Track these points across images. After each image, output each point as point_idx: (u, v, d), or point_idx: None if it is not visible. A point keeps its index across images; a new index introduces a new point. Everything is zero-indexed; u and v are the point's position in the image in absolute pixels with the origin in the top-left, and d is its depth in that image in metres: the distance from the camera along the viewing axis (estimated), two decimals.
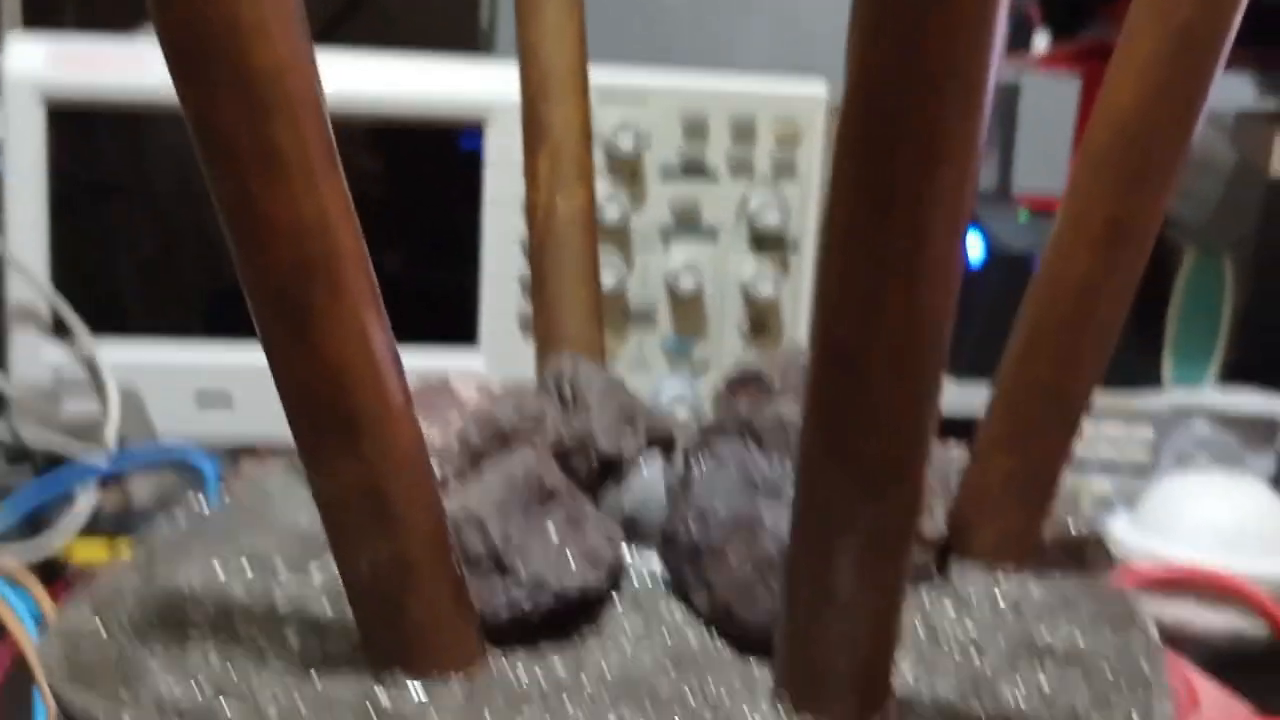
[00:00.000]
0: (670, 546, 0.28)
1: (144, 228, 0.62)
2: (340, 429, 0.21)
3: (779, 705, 0.23)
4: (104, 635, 0.25)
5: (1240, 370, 0.71)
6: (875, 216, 0.18)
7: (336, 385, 0.21)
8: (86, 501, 0.51)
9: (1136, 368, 0.70)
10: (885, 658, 0.22)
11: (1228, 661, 0.53)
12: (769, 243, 0.63)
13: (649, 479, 0.32)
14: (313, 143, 0.20)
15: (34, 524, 0.52)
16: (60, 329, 0.58)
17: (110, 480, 0.53)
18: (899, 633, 0.23)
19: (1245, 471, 0.65)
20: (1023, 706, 0.24)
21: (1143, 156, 0.26)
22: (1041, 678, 0.25)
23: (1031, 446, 0.29)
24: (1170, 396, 0.68)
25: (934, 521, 0.29)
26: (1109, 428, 0.67)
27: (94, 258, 0.60)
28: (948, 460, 0.32)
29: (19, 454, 0.56)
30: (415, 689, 0.23)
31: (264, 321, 0.21)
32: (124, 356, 0.58)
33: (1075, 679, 0.25)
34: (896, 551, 0.21)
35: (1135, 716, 0.24)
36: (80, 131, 0.58)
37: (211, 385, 0.59)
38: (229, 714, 0.22)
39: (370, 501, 0.22)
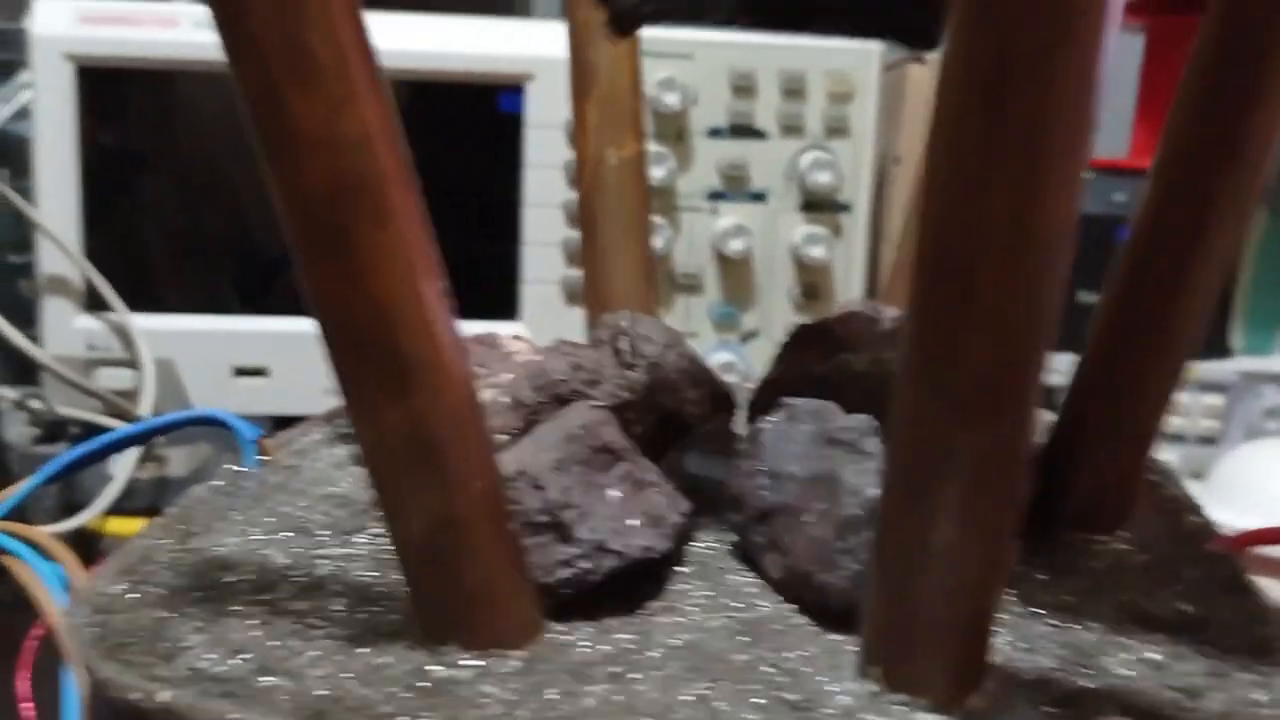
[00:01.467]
0: (738, 509, 0.26)
1: (179, 197, 0.60)
2: (387, 371, 0.19)
3: (867, 678, 0.21)
4: (138, 604, 0.23)
5: None
6: (988, 103, 0.16)
7: (382, 322, 0.19)
8: (123, 472, 0.49)
9: (1203, 336, 0.67)
10: (985, 622, 0.20)
11: None
12: (821, 204, 0.61)
13: (714, 439, 0.30)
14: (351, 53, 0.18)
15: (69, 501, 0.51)
16: (94, 300, 0.56)
17: (147, 453, 0.51)
18: (1002, 592, 0.21)
19: None
20: (1133, 676, 0.22)
21: (1260, 63, 0.24)
22: (1151, 648, 0.23)
23: (1129, 391, 0.27)
24: (1239, 364, 0.65)
25: None
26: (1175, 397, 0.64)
27: (128, 228, 0.58)
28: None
29: (53, 426, 0.55)
30: (470, 662, 0.21)
31: (302, 250, 0.19)
32: (158, 327, 0.57)
33: (1187, 649, 0.23)
34: (1003, 489, 0.19)
35: (1260, 691, 0.21)
36: (111, 95, 0.56)
37: (248, 357, 0.57)
38: (273, 690, 0.20)
39: (420, 451, 0.20)
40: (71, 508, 0.50)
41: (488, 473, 0.21)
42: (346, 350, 0.19)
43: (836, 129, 0.60)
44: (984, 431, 0.18)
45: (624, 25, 0.24)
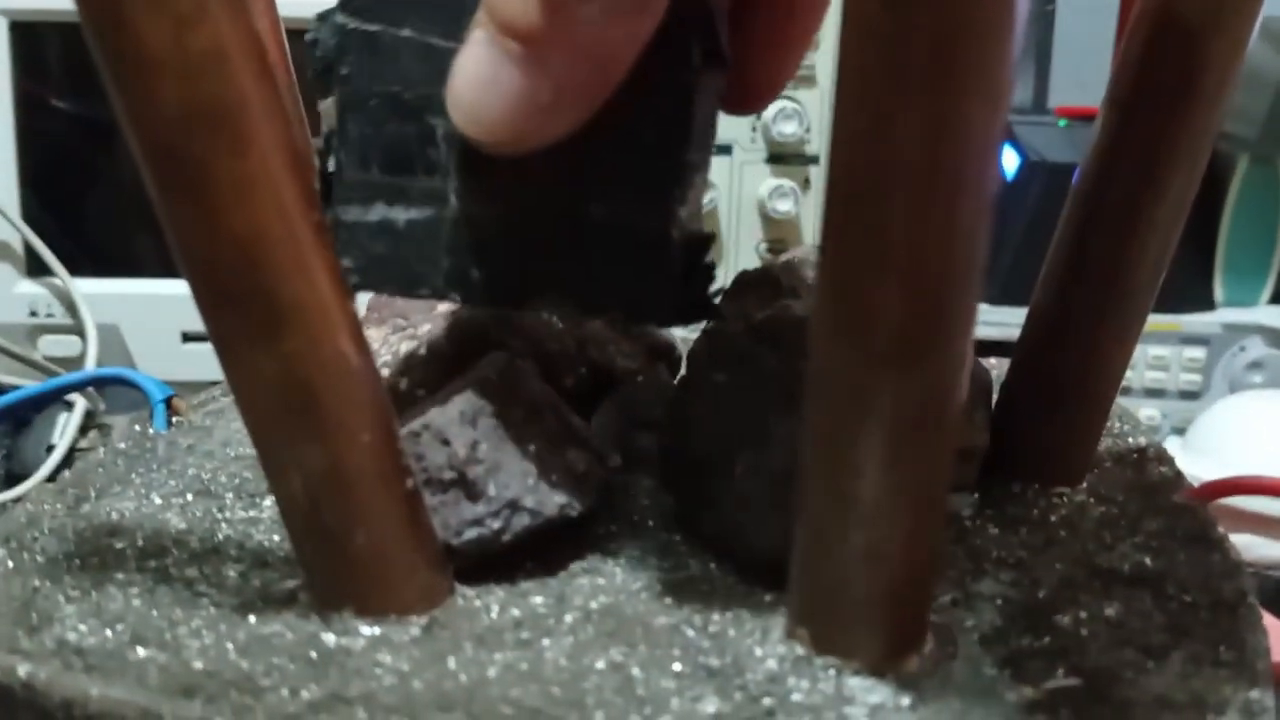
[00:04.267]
0: (669, 462, 0.24)
1: (123, 156, 0.58)
2: (254, 313, 0.18)
3: (794, 640, 0.19)
4: (12, 572, 0.21)
5: None
6: (894, 14, 0.14)
7: (246, 261, 0.17)
8: (64, 442, 0.48)
9: (1185, 289, 0.65)
10: (921, 580, 0.19)
11: None
12: (787, 156, 0.59)
13: (650, 391, 0.28)
14: None
15: (10, 472, 0.49)
16: (35, 265, 0.54)
17: (89, 421, 0.50)
18: (938, 550, 0.19)
19: None
20: (1085, 636, 0.20)
21: None
22: (1106, 604, 0.21)
23: (1086, 339, 0.25)
24: (1221, 316, 0.63)
25: (973, 430, 0.25)
26: (1156, 350, 0.62)
27: (70, 189, 0.56)
28: (987, 368, 0.28)
29: None
30: (366, 629, 0.20)
31: (156, 185, 0.17)
32: (103, 292, 0.55)
33: (1146, 604, 0.21)
34: (929, 441, 0.17)
35: (1224, 649, 0.20)
36: (49, 51, 0.54)
37: (196, 321, 0.55)
38: (145, 663, 0.19)
39: (296, 401, 0.18)
40: (13, 478, 0.49)
41: (378, 425, 0.19)
42: (210, 292, 0.18)
43: (803, 78, 0.58)
44: (903, 382, 0.17)
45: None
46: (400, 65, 0.21)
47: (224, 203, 0.17)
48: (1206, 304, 0.65)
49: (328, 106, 0.21)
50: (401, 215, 0.22)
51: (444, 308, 0.27)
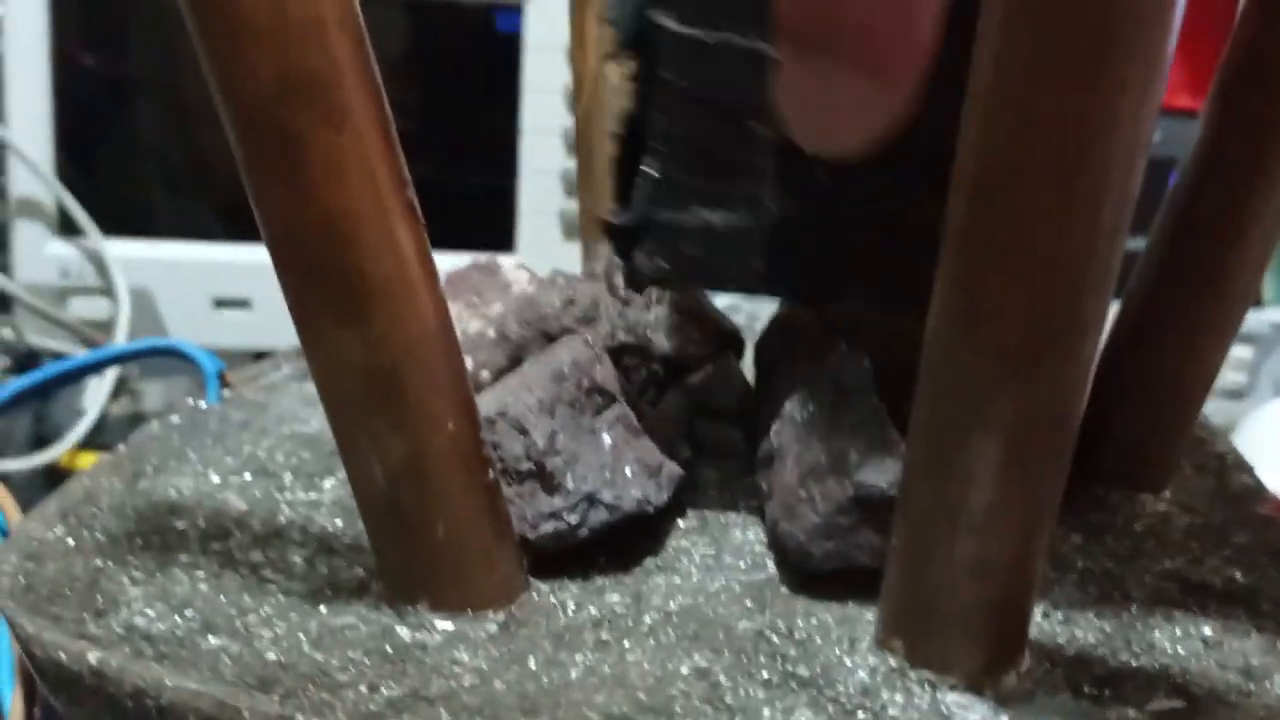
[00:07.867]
0: (744, 457, 0.23)
1: (159, 116, 0.57)
2: (341, 292, 0.17)
3: (887, 651, 0.19)
4: (73, 551, 0.21)
5: None
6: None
7: (336, 237, 0.16)
8: (94, 407, 0.47)
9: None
10: (1024, 593, 0.18)
11: None
12: None
13: (718, 382, 0.27)
14: None
15: (41, 435, 0.49)
16: (67, 225, 0.54)
17: (120, 387, 0.49)
18: (1044, 562, 0.18)
19: None
20: (1183, 654, 0.19)
21: None
22: (1201, 621, 0.20)
23: (1181, 340, 0.24)
24: (1270, 315, 0.62)
25: None
26: None
27: (104, 149, 0.55)
28: None
29: (25, 358, 0.52)
30: (441, 624, 0.19)
31: (246, 155, 0.16)
32: (135, 255, 0.54)
33: (1242, 622, 0.21)
34: (1049, 447, 0.16)
35: None
36: (87, 10, 0.53)
37: (229, 287, 0.54)
38: (218, 652, 0.18)
39: (380, 385, 0.17)
40: (44, 442, 0.48)
41: (462, 413, 0.18)
42: (296, 269, 0.17)
43: None
44: (1029, 383, 0.16)
45: (637, 284, 0.23)
46: (720, 68, 0.20)
47: (317, 176, 0.16)
48: (1254, 301, 0.64)
49: (624, 89, 0.21)
50: (718, 218, 0.21)
51: (517, 290, 0.26)
